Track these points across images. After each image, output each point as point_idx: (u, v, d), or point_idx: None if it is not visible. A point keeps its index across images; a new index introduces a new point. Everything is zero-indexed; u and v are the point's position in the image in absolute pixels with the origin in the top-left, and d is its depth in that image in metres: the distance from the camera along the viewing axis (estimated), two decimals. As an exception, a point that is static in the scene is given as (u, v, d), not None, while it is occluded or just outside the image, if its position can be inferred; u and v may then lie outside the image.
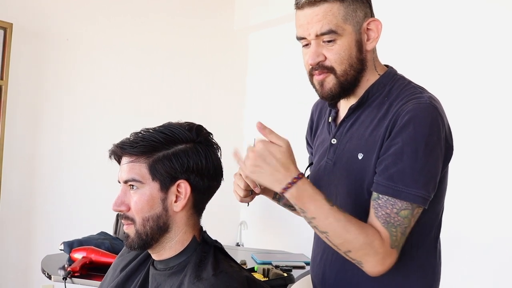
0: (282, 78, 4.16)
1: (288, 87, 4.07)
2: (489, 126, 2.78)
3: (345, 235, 1.19)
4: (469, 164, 2.81)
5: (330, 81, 1.32)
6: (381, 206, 1.22)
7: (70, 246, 2.39)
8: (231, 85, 4.50)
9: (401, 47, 3.18)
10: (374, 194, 1.24)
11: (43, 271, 2.27)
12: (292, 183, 1.18)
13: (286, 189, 1.18)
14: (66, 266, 2.28)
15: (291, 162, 1.19)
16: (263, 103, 4.40)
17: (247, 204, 1.44)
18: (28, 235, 3.49)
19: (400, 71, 1.42)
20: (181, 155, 1.22)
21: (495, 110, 2.78)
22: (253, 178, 1.21)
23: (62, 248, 2.42)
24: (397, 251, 1.22)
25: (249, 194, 1.43)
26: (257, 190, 1.39)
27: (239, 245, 4.14)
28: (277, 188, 1.19)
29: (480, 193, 2.82)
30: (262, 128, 1.20)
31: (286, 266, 2.53)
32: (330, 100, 1.37)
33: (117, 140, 1.26)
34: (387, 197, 1.21)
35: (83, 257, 2.26)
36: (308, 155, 1.66)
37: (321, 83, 1.33)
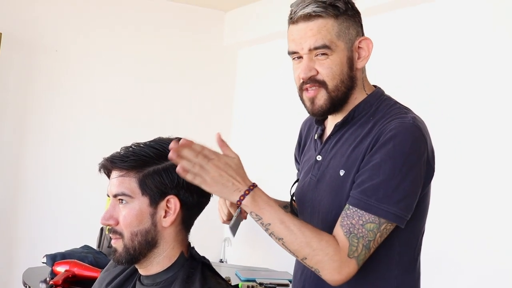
0: (269, 95, 4.18)
1: (275, 104, 4.08)
2: (478, 143, 2.80)
3: (299, 240, 1.21)
4: (454, 185, 2.83)
5: (322, 97, 1.33)
6: (348, 216, 1.24)
7: (53, 259, 2.36)
8: (219, 101, 4.51)
9: (391, 66, 3.21)
10: (346, 205, 1.26)
11: (25, 284, 2.24)
12: (249, 190, 1.20)
13: (244, 195, 1.20)
14: (48, 279, 2.25)
15: (245, 173, 1.22)
16: (250, 119, 4.41)
17: (233, 235, 1.42)
18: (10, 247, 3.44)
19: (390, 90, 1.44)
20: (172, 171, 1.22)
21: (481, 128, 2.79)
22: (213, 189, 1.19)
23: (45, 261, 2.39)
24: (357, 262, 1.22)
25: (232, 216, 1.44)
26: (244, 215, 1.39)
27: (222, 262, 4.12)
28: (236, 196, 1.20)
29: (464, 213, 2.83)
30: (220, 140, 1.21)
31: (270, 283, 2.53)
32: (320, 116, 1.39)
33: (103, 152, 1.27)
34: (356, 208, 1.24)
35: (65, 271, 2.23)
36: (296, 171, 1.67)
37: (312, 100, 1.35)
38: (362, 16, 1.39)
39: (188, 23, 4.30)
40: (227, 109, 4.55)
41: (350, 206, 1.24)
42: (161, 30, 4.16)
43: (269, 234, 1.24)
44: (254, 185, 1.22)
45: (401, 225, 1.25)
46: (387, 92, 1.45)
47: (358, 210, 1.23)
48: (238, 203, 1.20)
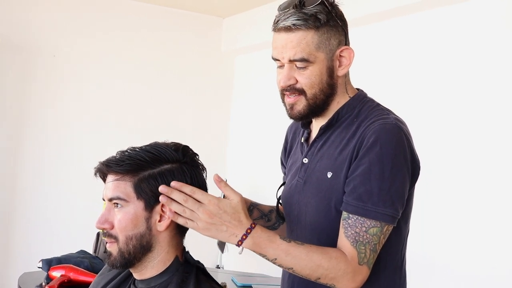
0: (266, 101, 4.18)
1: (272, 110, 4.08)
2: (475, 148, 2.80)
3: (309, 265, 1.24)
4: (448, 189, 2.83)
5: (300, 104, 1.37)
6: (350, 225, 1.27)
7: (49, 263, 2.36)
8: (217, 107, 4.52)
9: (397, 69, 3.21)
10: (344, 214, 1.29)
11: (20, 289, 2.24)
12: (246, 234, 1.23)
13: (242, 240, 1.23)
14: (43, 284, 2.25)
15: (243, 214, 1.24)
16: (248, 125, 4.41)
17: (221, 251, 1.42)
18: (6, 252, 3.44)
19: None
20: (167, 175, 1.22)
21: (482, 132, 2.79)
22: (207, 235, 1.23)
23: (40, 266, 2.39)
24: (368, 266, 1.27)
25: None
26: None
27: (219, 268, 4.12)
28: (233, 241, 1.24)
29: (457, 218, 2.83)
30: (219, 181, 1.23)
31: (266, 289, 2.53)
32: (298, 120, 1.43)
33: (100, 158, 1.27)
34: (356, 216, 1.27)
35: (61, 275, 2.23)
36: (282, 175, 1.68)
37: (292, 106, 1.39)
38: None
39: (186, 29, 4.31)
40: (225, 115, 4.56)
41: (350, 215, 1.27)
42: (159, 36, 4.17)
43: (278, 266, 1.27)
44: (252, 227, 1.24)
45: (395, 224, 1.30)
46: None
47: (359, 218, 1.26)
48: (239, 243, 1.23)
